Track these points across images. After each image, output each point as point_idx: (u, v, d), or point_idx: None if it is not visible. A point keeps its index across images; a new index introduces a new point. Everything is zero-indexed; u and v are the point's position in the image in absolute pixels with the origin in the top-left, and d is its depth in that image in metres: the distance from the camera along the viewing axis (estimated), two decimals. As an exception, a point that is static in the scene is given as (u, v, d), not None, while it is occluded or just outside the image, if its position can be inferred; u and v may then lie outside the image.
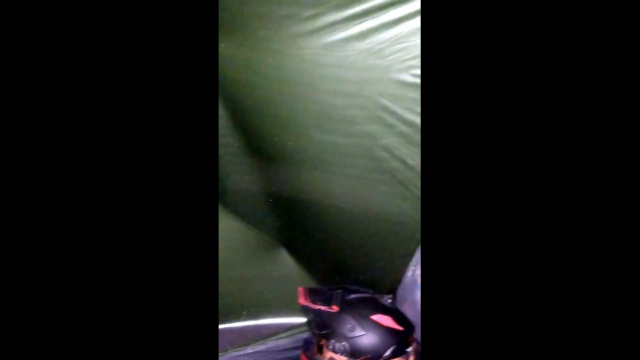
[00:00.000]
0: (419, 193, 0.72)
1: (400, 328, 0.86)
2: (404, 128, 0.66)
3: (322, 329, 0.87)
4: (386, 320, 0.85)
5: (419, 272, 0.83)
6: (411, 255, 0.83)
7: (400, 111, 0.64)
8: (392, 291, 0.93)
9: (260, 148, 0.92)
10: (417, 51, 0.59)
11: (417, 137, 0.65)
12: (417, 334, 0.91)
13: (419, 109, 0.63)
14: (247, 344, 1.10)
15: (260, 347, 1.08)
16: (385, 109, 0.65)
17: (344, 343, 0.83)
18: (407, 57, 0.60)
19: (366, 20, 0.61)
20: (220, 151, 0.90)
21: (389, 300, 0.91)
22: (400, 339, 0.85)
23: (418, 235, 0.78)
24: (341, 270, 1.04)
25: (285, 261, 1.18)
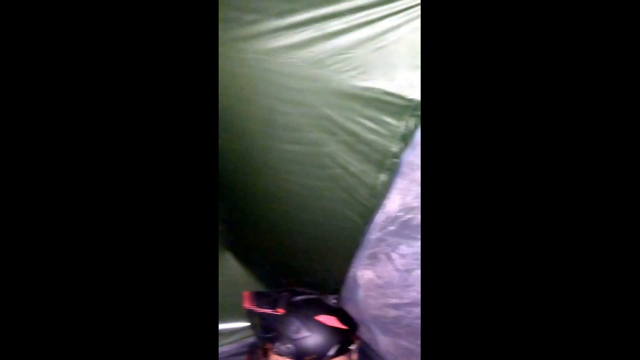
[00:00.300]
0: (360, 198, 0.74)
1: (344, 327, 0.89)
2: (345, 137, 0.67)
3: (268, 333, 0.88)
4: (331, 320, 0.88)
5: (359, 273, 0.86)
6: (353, 257, 0.86)
7: (341, 120, 0.66)
8: (337, 291, 0.95)
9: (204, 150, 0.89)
10: (357, 62, 0.60)
11: (358, 146, 0.67)
12: (360, 332, 0.94)
13: (358, 119, 0.64)
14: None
15: (204, 353, 1.06)
16: (327, 117, 0.66)
17: (289, 345, 0.84)
18: (347, 68, 0.61)
19: (308, 30, 0.61)
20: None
21: (334, 301, 0.94)
22: (344, 338, 0.88)
23: (359, 238, 0.80)
24: (287, 272, 1.05)
25: (231, 265, 1.16)
